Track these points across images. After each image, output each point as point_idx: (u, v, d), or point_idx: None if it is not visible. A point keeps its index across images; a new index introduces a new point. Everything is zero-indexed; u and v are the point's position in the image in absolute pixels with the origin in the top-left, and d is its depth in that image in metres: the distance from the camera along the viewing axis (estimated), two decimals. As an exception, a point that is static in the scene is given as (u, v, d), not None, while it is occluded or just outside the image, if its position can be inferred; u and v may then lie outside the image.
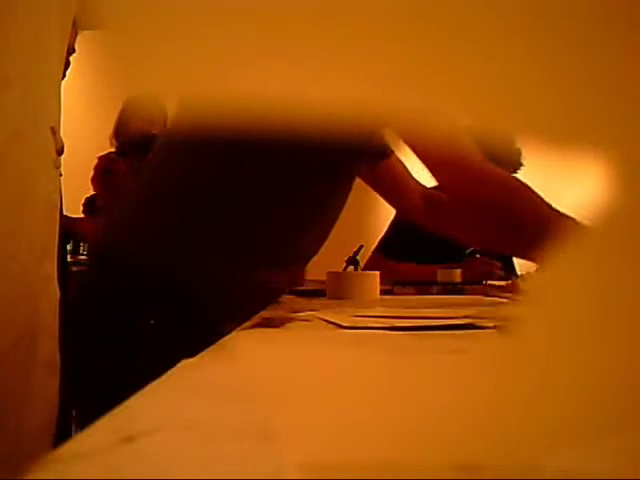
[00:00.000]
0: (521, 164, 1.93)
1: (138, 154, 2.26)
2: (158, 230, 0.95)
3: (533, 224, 1.02)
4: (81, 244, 2.54)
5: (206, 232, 0.95)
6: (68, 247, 2.23)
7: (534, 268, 1.09)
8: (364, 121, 0.20)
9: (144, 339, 0.89)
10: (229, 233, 0.96)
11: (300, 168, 0.97)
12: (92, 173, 2.34)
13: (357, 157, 1.05)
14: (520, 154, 1.92)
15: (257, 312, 0.83)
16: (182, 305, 0.91)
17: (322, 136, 0.63)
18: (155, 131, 2.25)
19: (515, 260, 2.08)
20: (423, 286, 1.37)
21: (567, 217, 1.00)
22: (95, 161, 2.36)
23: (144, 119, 2.29)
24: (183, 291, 0.91)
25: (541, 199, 1.05)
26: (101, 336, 0.92)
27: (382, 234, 2.01)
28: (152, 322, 0.89)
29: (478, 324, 0.61)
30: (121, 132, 2.35)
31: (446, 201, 1.31)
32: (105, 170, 2.32)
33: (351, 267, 1.42)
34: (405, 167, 1.32)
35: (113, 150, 2.38)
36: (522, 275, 1.97)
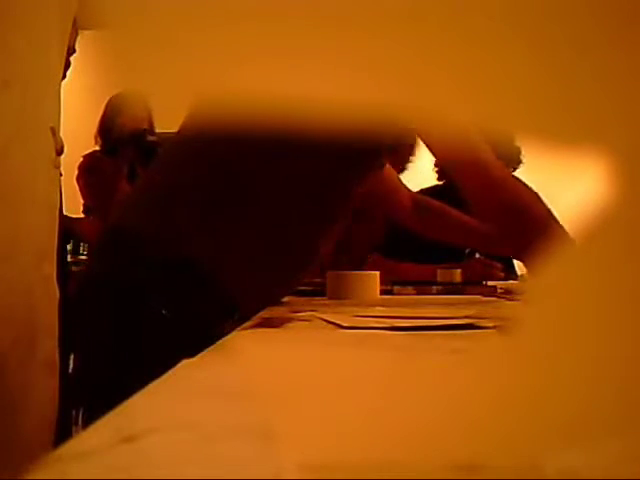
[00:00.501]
0: (520, 161, 1.94)
1: (127, 152, 2.25)
2: (174, 222, 0.95)
3: (538, 229, 1.09)
4: (81, 244, 2.54)
5: (222, 227, 0.95)
6: (68, 247, 2.22)
7: (532, 269, 1.11)
8: (375, 122, 0.20)
9: (147, 336, 0.89)
10: (244, 230, 0.96)
11: (317, 167, 0.97)
12: (77, 172, 2.31)
13: (372, 157, 1.06)
14: (520, 152, 1.92)
15: (258, 312, 0.83)
16: (187, 303, 0.91)
17: (334, 136, 0.63)
18: (141, 128, 2.24)
19: (515, 261, 2.08)
20: (423, 286, 1.37)
21: (561, 225, 1.08)
22: (80, 159, 2.33)
23: (130, 116, 2.27)
24: (190, 284, 0.91)
25: (546, 206, 1.14)
26: (102, 334, 0.92)
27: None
28: (164, 312, 0.88)
29: (478, 324, 0.61)
30: (107, 130, 2.33)
31: (436, 206, 1.38)
32: (90, 169, 2.31)
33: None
34: (395, 173, 1.36)
35: (98, 148, 2.36)
36: (522, 275, 1.97)
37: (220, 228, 0.95)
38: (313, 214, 1.01)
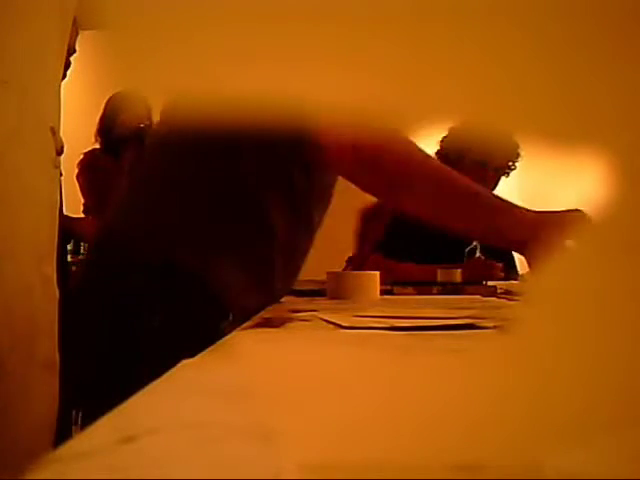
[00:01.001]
0: (519, 154, 1.94)
1: (127, 150, 2.25)
2: (163, 225, 0.95)
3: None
4: (81, 244, 2.54)
5: (213, 229, 0.95)
6: (68, 247, 2.22)
7: (532, 269, 1.10)
8: (366, 120, 0.20)
9: (145, 338, 0.89)
10: (230, 231, 0.96)
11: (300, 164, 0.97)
12: (76, 170, 2.31)
13: None
14: (518, 146, 1.92)
15: (257, 312, 0.83)
16: (184, 304, 0.91)
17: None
18: (142, 125, 2.24)
19: (517, 260, 2.08)
20: (423, 286, 1.37)
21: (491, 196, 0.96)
22: (80, 156, 2.33)
23: (131, 114, 2.27)
24: (185, 289, 0.91)
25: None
26: (101, 335, 0.92)
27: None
28: (156, 320, 0.89)
29: (478, 324, 0.61)
30: (107, 129, 2.33)
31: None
32: (90, 166, 2.31)
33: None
34: None
35: (98, 147, 2.36)
36: (522, 275, 1.97)
37: (206, 229, 0.95)
38: (297, 214, 1.01)
